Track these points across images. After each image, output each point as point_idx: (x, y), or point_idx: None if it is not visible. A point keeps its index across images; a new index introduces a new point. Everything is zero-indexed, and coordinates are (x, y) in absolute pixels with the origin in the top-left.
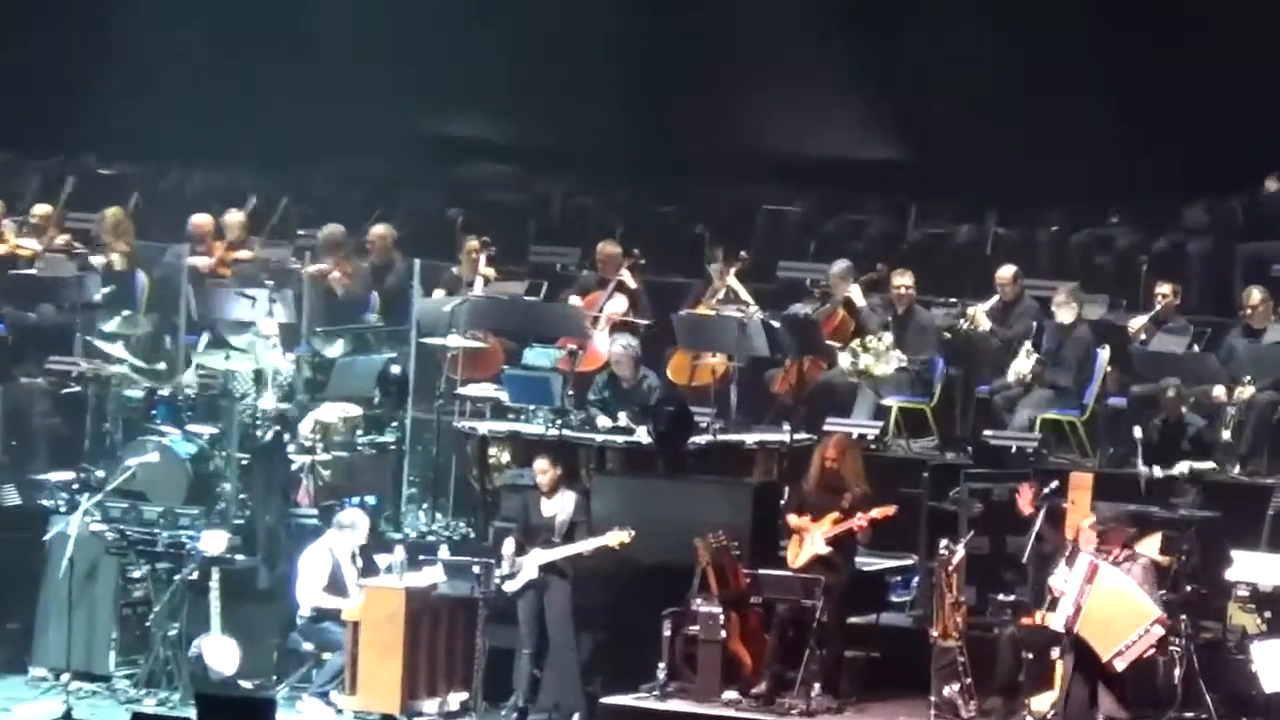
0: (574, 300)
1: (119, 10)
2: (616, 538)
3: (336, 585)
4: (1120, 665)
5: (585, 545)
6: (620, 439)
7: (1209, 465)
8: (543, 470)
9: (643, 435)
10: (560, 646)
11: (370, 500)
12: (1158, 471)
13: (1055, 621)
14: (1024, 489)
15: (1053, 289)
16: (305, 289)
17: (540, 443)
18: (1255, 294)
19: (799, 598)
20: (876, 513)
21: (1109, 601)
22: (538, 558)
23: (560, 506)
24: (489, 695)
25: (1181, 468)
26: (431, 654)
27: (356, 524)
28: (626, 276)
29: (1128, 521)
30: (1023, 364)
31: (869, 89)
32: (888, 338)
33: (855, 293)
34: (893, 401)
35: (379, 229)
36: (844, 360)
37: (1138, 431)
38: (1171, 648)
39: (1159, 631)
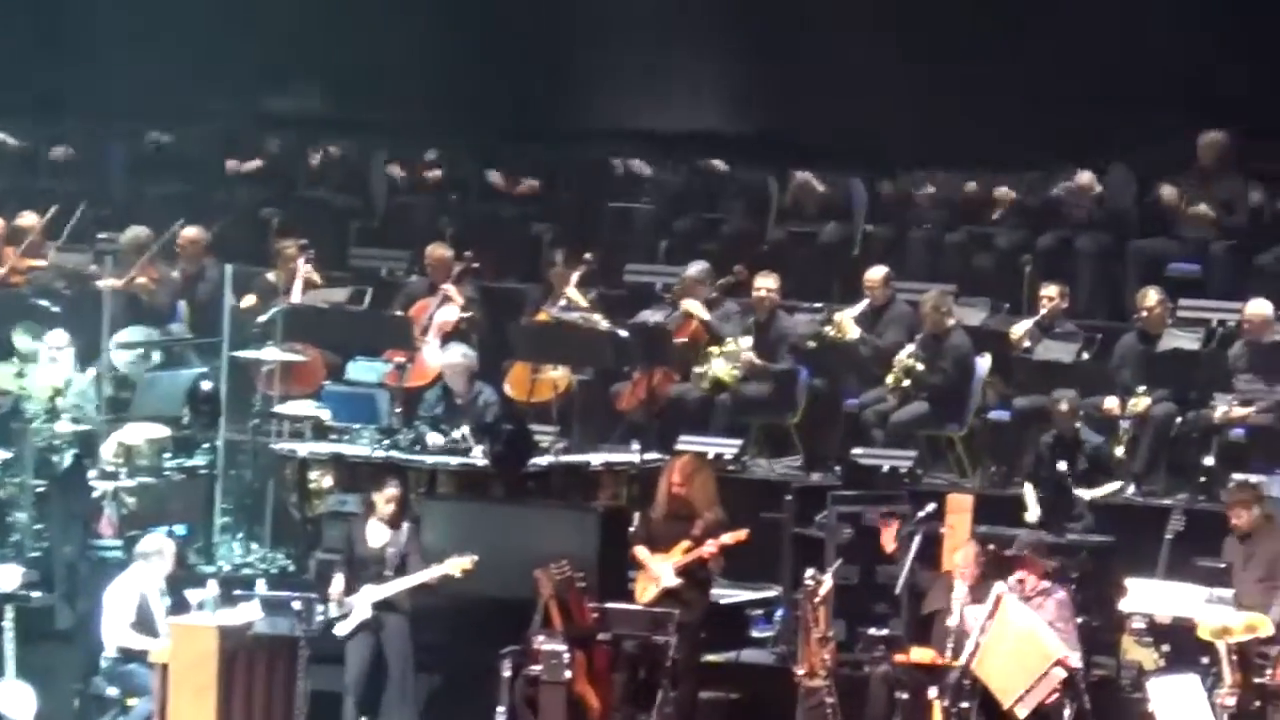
0: (399, 309)
1: None
2: (458, 564)
3: (145, 623)
4: (1021, 712)
5: (425, 575)
6: (454, 460)
7: (1112, 488)
8: (391, 498)
9: (479, 456)
10: (400, 689)
11: (180, 530)
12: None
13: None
14: (886, 526)
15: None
16: (105, 298)
17: (366, 466)
18: (1152, 295)
19: (649, 634)
20: (727, 538)
21: (1011, 641)
22: (370, 594)
23: (390, 536)
24: None
25: (1082, 497)
26: (248, 699)
27: (161, 551)
28: (452, 290)
29: (1045, 552)
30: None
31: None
32: (745, 340)
33: (694, 306)
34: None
35: (189, 232)
36: (696, 371)
37: (1063, 465)
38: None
39: (1060, 674)
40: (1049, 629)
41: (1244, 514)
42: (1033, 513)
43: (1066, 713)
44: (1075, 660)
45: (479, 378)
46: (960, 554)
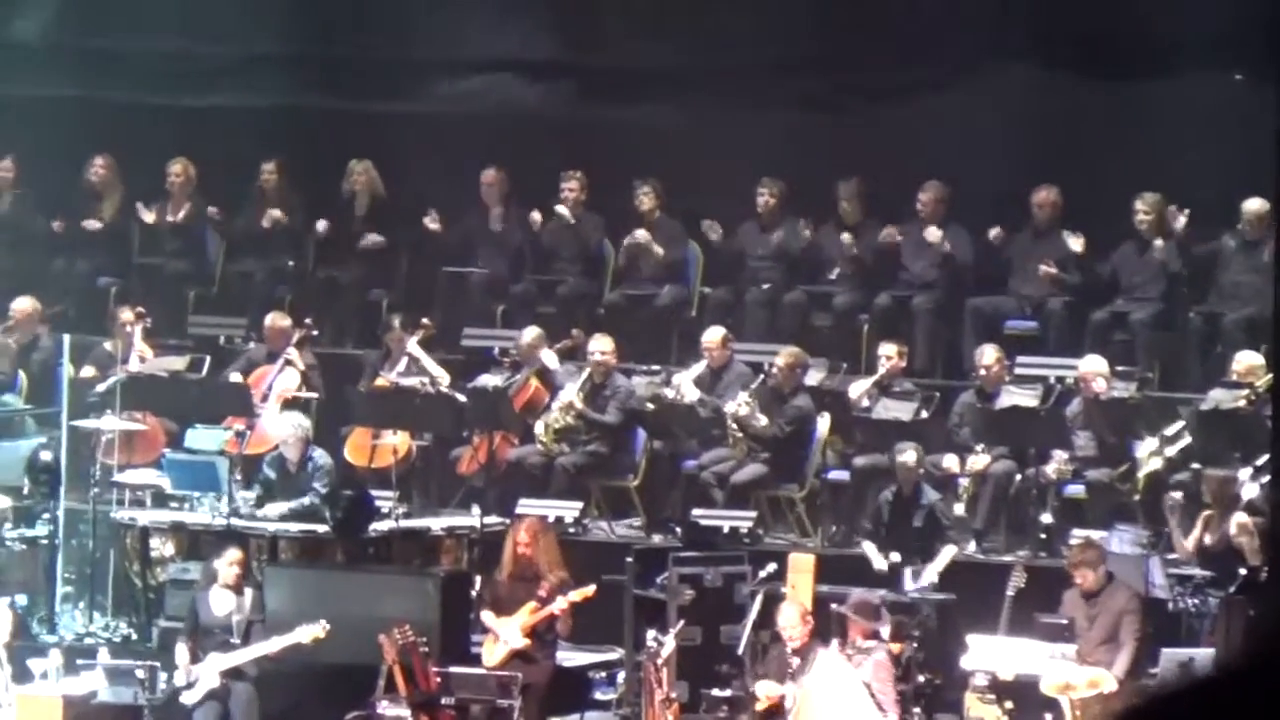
0: (238, 376)
1: None
2: (309, 632)
3: None
4: None
5: (274, 645)
6: (295, 527)
7: (948, 557)
8: (237, 561)
9: (319, 522)
10: None
11: (20, 600)
12: (909, 580)
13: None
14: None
15: (767, 353)
16: None
17: (208, 533)
18: (989, 353)
19: (494, 698)
20: (575, 595)
21: (824, 704)
22: (217, 663)
23: (234, 604)
24: None
25: (928, 577)
26: None
27: None
28: (294, 355)
29: (870, 612)
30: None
31: None
32: (572, 389)
33: (549, 358)
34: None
35: (21, 304)
36: (538, 430)
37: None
38: None
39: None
40: (862, 693)
41: (1089, 574)
42: (878, 563)
43: None
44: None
45: (318, 444)
46: (783, 614)
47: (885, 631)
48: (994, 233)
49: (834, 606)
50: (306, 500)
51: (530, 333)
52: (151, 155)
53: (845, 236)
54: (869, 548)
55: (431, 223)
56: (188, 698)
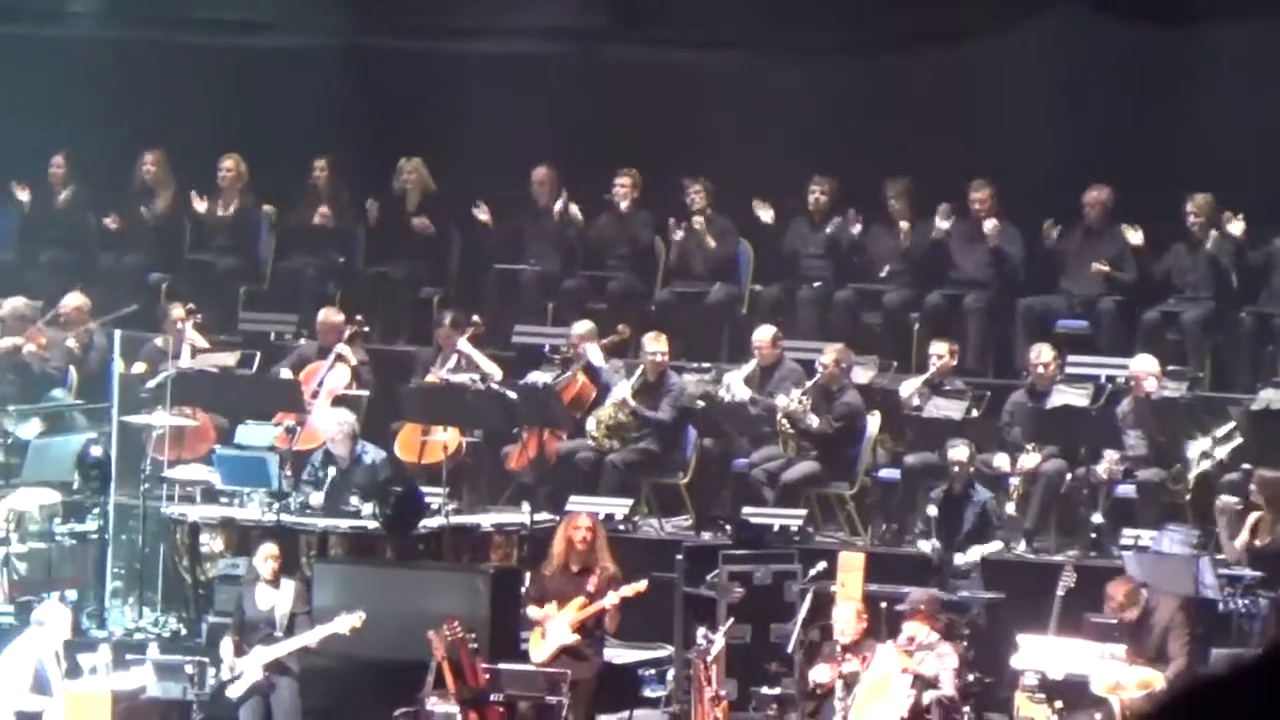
0: (288, 372)
1: None
2: (347, 623)
3: (41, 686)
4: None
5: (313, 636)
6: (344, 523)
7: (996, 546)
8: (272, 555)
9: (369, 519)
10: None
11: (71, 595)
12: (958, 559)
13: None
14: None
15: (817, 351)
16: None
17: (258, 529)
18: (1046, 352)
19: (543, 694)
20: (627, 590)
21: (879, 687)
22: (260, 656)
23: (279, 598)
24: None
25: (972, 555)
26: None
27: (57, 618)
28: (346, 349)
29: (936, 607)
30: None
31: None
32: (624, 387)
33: (594, 354)
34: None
35: (72, 300)
36: (589, 426)
37: (930, 509)
38: None
39: (931, 694)
40: (918, 660)
41: (1133, 611)
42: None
43: None
44: (945, 686)
45: (368, 439)
46: (838, 610)
47: (848, 628)
48: (1048, 224)
49: (897, 606)
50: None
51: (581, 326)
52: (203, 151)
53: (904, 225)
54: (924, 545)
55: (481, 214)
56: (232, 691)
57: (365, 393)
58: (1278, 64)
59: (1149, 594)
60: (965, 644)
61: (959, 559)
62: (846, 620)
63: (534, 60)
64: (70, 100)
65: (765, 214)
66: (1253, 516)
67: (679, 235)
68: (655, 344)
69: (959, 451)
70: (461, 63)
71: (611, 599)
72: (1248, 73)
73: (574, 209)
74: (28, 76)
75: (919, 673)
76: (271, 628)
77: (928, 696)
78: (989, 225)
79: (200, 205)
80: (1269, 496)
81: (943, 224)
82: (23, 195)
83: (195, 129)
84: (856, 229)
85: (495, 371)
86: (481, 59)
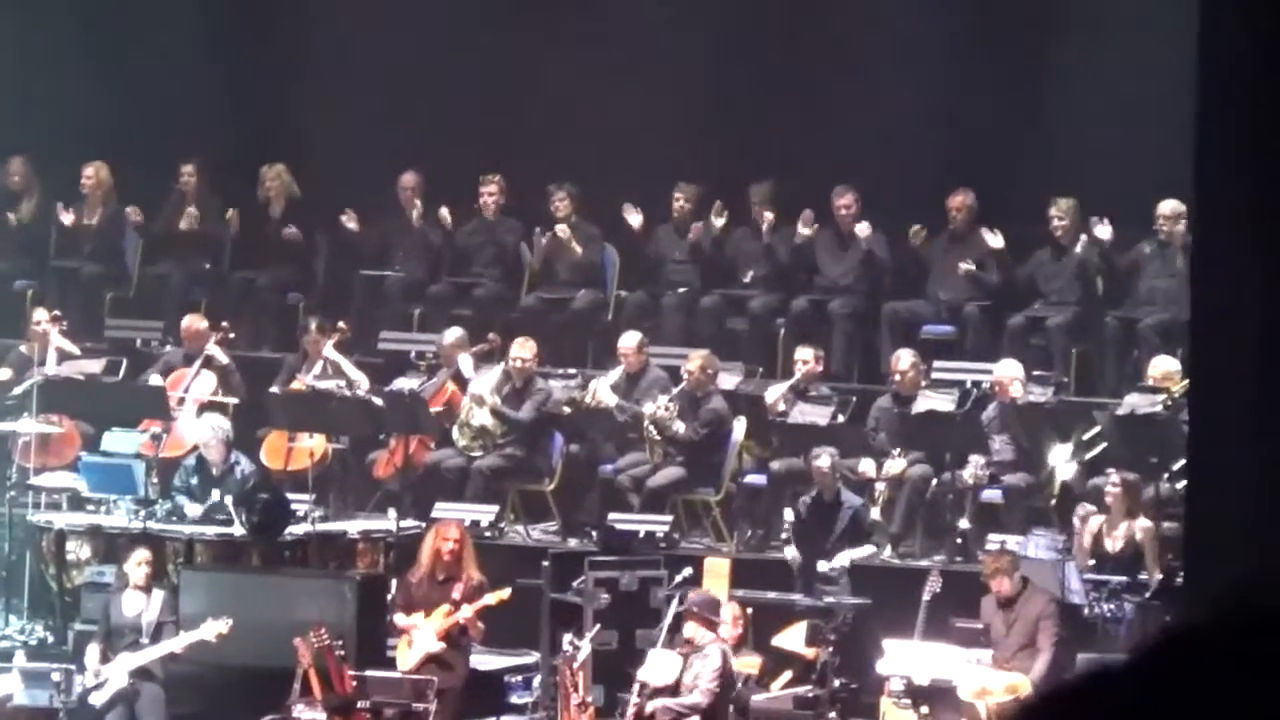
0: (156, 379)
1: None
2: (213, 629)
3: None
4: None
5: (178, 642)
6: (211, 530)
7: (868, 551)
8: (145, 561)
9: (236, 526)
10: None
11: None
12: (823, 565)
13: None
14: None
15: (683, 357)
16: None
17: (124, 536)
18: (905, 358)
19: (410, 701)
20: (491, 598)
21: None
22: (126, 663)
23: (145, 605)
24: None
25: (841, 560)
26: None
27: None
28: (215, 351)
29: (708, 609)
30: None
31: None
32: (488, 384)
33: (465, 364)
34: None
35: None
36: (455, 433)
37: (788, 514)
38: None
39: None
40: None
41: (1005, 581)
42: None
43: None
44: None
45: (235, 447)
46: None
47: (724, 631)
48: (915, 229)
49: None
50: (222, 503)
51: (452, 334)
52: (69, 157)
53: (765, 224)
54: (788, 552)
55: (349, 222)
56: (95, 698)
57: (233, 400)
58: (1133, 63)
59: (1024, 585)
60: (831, 649)
61: (827, 565)
62: (727, 620)
63: (402, 63)
64: None
65: (634, 218)
66: (1105, 518)
67: (544, 241)
68: (521, 349)
69: (823, 460)
70: (329, 65)
71: (468, 611)
72: (1106, 70)
73: (444, 213)
74: None
75: (644, 680)
76: (138, 634)
77: (651, 706)
78: (861, 228)
79: (66, 218)
80: (1122, 499)
81: (805, 230)
82: None
83: (61, 131)
84: (720, 222)
85: (361, 379)
86: (349, 61)
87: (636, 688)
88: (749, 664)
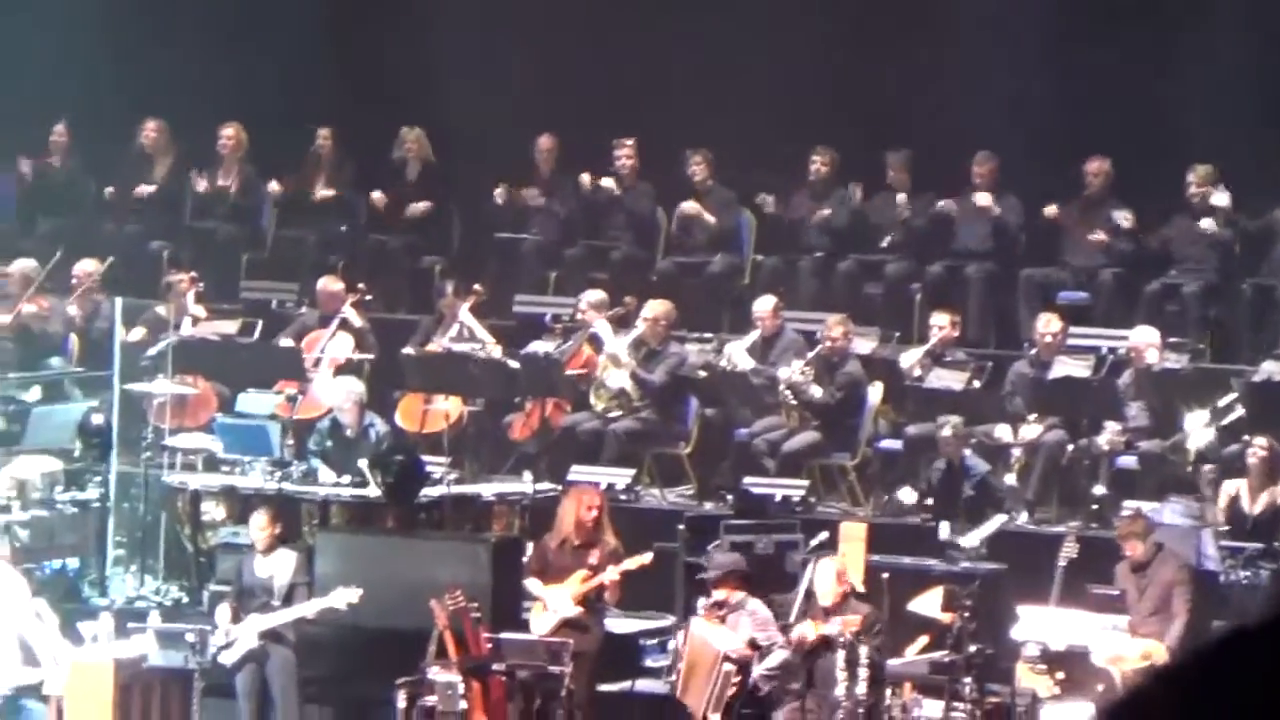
0: (290, 341)
1: None
2: (343, 597)
3: (29, 656)
4: (715, 717)
5: (308, 608)
6: (346, 492)
7: (996, 525)
8: (261, 526)
9: (371, 488)
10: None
11: (72, 563)
12: (944, 530)
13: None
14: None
15: (819, 321)
16: None
17: (258, 497)
18: (1055, 322)
19: (545, 664)
20: (631, 563)
21: (693, 657)
22: (256, 624)
23: (278, 567)
24: None
25: (971, 540)
26: None
27: (7, 585)
28: (350, 314)
29: (740, 572)
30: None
31: None
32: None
33: (602, 327)
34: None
35: (85, 265)
36: (593, 395)
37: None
38: (956, 714)
39: (729, 668)
40: (718, 633)
41: (1138, 545)
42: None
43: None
44: (739, 646)
45: (370, 409)
46: (818, 573)
47: (828, 588)
48: (1049, 210)
49: (707, 574)
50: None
51: (591, 295)
52: (203, 120)
53: (901, 198)
54: (904, 495)
55: (500, 198)
56: (225, 658)
57: (370, 356)
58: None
59: (1157, 550)
60: (967, 615)
61: (947, 532)
62: (827, 583)
63: (538, 25)
64: (69, 68)
65: (768, 207)
66: (1247, 482)
67: (679, 211)
68: (655, 312)
69: (946, 430)
70: (462, 27)
71: (613, 574)
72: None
73: (586, 178)
74: (28, 43)
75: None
76: (269, 596)
77: (727, 668)
78: (984, 198)
79: (201, 185)
80: (1262, 464)
81: (945, 203)
82: (24, 167)
83: (194, 95)
84: (858, 195)
85: (493, 344)
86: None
87: (725, 669)
88: (851, 621)
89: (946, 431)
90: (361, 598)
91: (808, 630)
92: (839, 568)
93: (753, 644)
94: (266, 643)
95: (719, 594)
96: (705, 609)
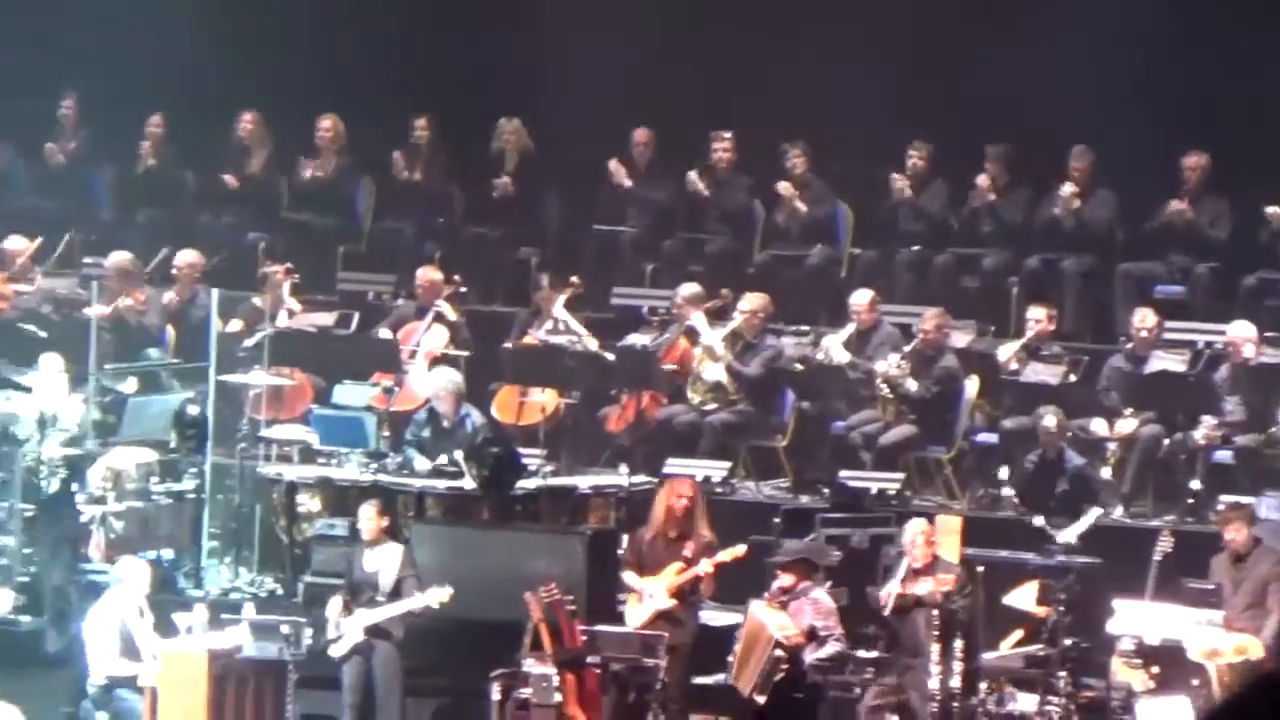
0: (386, 332)
1: None
2: (436, 596)
3: (129, 647)
4: (760, 699)
5: (405, 606)
6: (442, 484)
7: (1091, 519)
8: (369, 518)
9: (466, 480)
10: (389, 714)
11: (168, 554)
12: (1061, 536)
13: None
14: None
15: (915, 315)
16: (93, 324)
17: (354, 489)
18: (1150, 316)
19: (639, 657)
20: (725, 555)
21: (748, 639)
22: (363, 619)
23: (384, 561)
24: None
25: (1067, 536)
26: None
27: (133, 574)
28: (445, 306)
29: (807, 560)
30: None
31: None
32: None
33: (698, 320)
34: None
35: (186, 256)
36: (689, 389)
37: (1003, 471)
38: (1050, 708)
39: (779, 653)
40: (774, 617)
41: (1242, 529)
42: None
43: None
44: (793, 632)
45: (467, 401)
46: (907, 532)
47: (918, 551)
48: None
49: (776, 558)
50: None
51: (687, 289)
52: (298, 112)
53: (999, 185)
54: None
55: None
56: (334, 651)
57: (465, 353)
58: None
59: (1255, 544)
60: (1062, 609)
61: (1043, 524)
62: (917, 544)
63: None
64: (166, 60)
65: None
66: None
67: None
68: (751, 305)
69: (1048, 420)
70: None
71: (708, 565)
72: None
73: (693, 176)
74: (125, 38)
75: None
76: (375, 590)
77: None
78: (1069, 190)
79: (308, 171)
80: None
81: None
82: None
83: (289, 89)
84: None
85: (588, 338)
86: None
87: (775, 654)
88: (944, 580)
89: (1048, 421)
90: (454, 594)
91: (893, 587)
92: (928, 528)
93: (811, 632)
94: (371, 637)
95: (785, 579)
96: (769, 594)
